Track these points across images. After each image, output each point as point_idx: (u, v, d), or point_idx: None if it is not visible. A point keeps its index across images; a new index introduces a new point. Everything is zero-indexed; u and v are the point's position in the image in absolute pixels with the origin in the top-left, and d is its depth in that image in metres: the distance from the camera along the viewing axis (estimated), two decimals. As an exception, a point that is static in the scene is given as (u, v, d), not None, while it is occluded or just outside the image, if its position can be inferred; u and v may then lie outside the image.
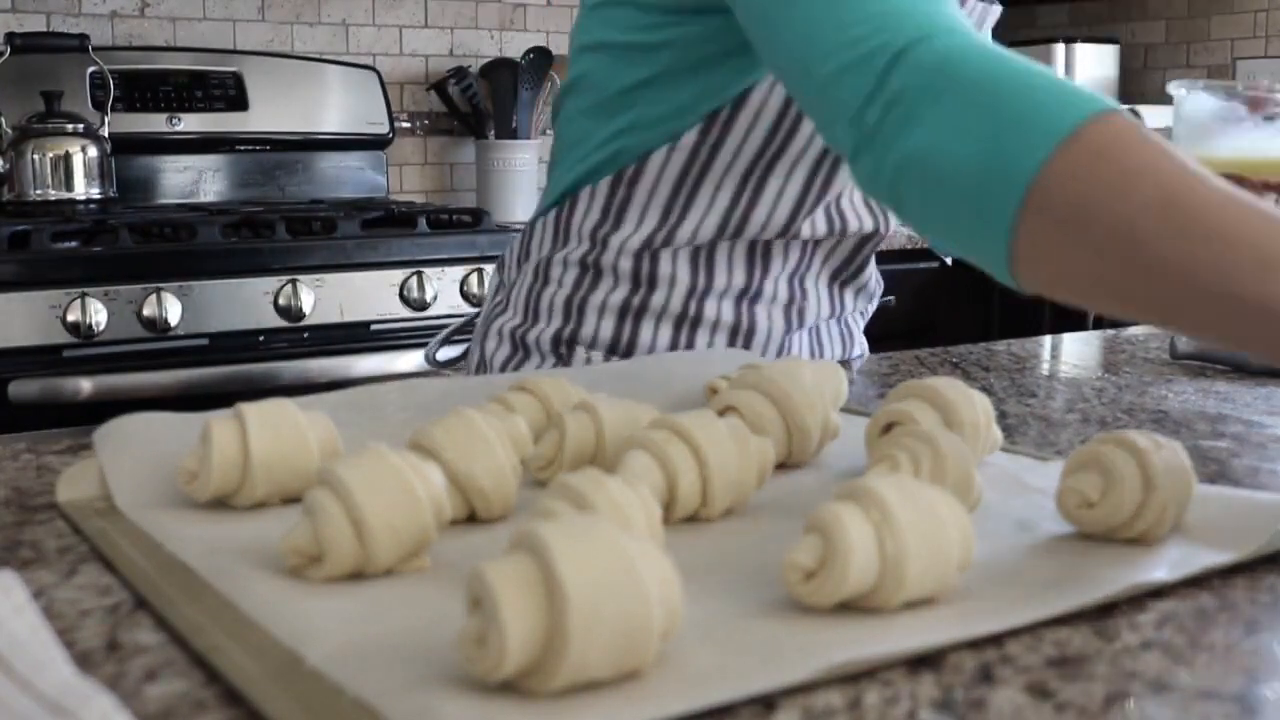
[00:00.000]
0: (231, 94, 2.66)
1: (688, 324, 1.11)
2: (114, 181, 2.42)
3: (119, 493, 0.74)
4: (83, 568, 0.66)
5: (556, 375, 0.89)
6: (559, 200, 1.13)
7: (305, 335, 2.14)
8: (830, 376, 0.95)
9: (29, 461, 0.87)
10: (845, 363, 1.22)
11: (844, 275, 1.20)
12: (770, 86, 1.01)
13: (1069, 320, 2.70)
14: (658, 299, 1.10)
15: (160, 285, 2.02)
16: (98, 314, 1.96)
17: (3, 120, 2.36)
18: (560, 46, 3.08)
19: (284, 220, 2.20)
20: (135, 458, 0.76)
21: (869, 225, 1.15)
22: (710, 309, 1.11)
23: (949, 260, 2.78)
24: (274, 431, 0.73)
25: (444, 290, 2.24)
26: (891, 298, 2.84)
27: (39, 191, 2.32)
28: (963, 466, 0.71)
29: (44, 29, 2.56)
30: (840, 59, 0.75)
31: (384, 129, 2.83)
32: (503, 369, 1.16)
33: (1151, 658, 0.55)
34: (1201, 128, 0.88)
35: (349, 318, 2.17)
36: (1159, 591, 0.62)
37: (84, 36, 2.42)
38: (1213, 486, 0.77)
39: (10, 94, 2.42)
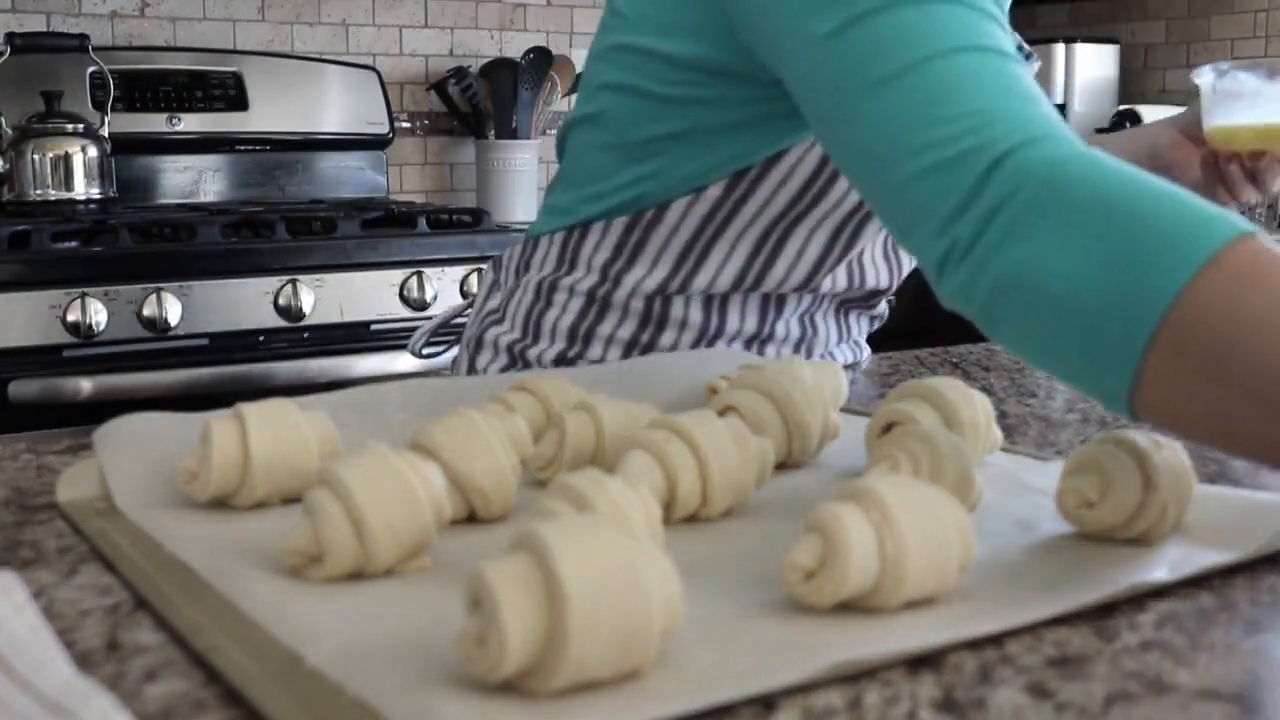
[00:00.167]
0: (231, 94, 2.66)
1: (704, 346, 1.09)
2: (114, 181, 2.41)
3: (119, 493, 0.74)
4: (83, 568, 0.66)
5: (556, 375, 0.89)
6: (568, 226, 1.09)
7: (305, 335, 2.14)
8: (830, 376, 0.95)
9: (29, 461, 0.87)
10: (849, 366, 1.22)
11: (857, 309, 1.20)
12: (808, 146, 0.96)
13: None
14: (667, 339, 1.08)
15: (160, 285, 2.02)
16: (98, 314, 1.96)
17: (3, 120, 2.36)
18: (560, 46, 3.09)
19: (284, 220, 2.20)
20: (135, 458, 0.76)
21: (885, 281, 1.14)
22: (734, 314, 1.10)
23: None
24: (274, 431, 0.73)
25: (444, 290, 2.24)
26: (892, 298, 2.84)
27: (39, 191, 2.32)
28: (962, 466, 0.71)
29: (44, 29, 2.56)
30: (927, 159, 0.68)
31: (384, 129, 2.83)
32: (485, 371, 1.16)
33: (1151, 658, 0.55)
34: (1239, 102, 0.88)
35: (349, 318, 2.17)
36: (1159, 591, 0.62)
37: (84, 36, 2.42)
38: (1213, 486, 0.77)
39: (10, 94, 2.42)
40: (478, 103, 2.92)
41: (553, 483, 0.63)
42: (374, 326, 2.20)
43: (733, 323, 1.09)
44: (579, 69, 2.93)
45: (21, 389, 1.92)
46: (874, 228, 1.04)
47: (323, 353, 2.14)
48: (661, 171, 1.02)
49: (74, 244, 2.07)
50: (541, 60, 2.93)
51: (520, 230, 2.33)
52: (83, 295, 1.96)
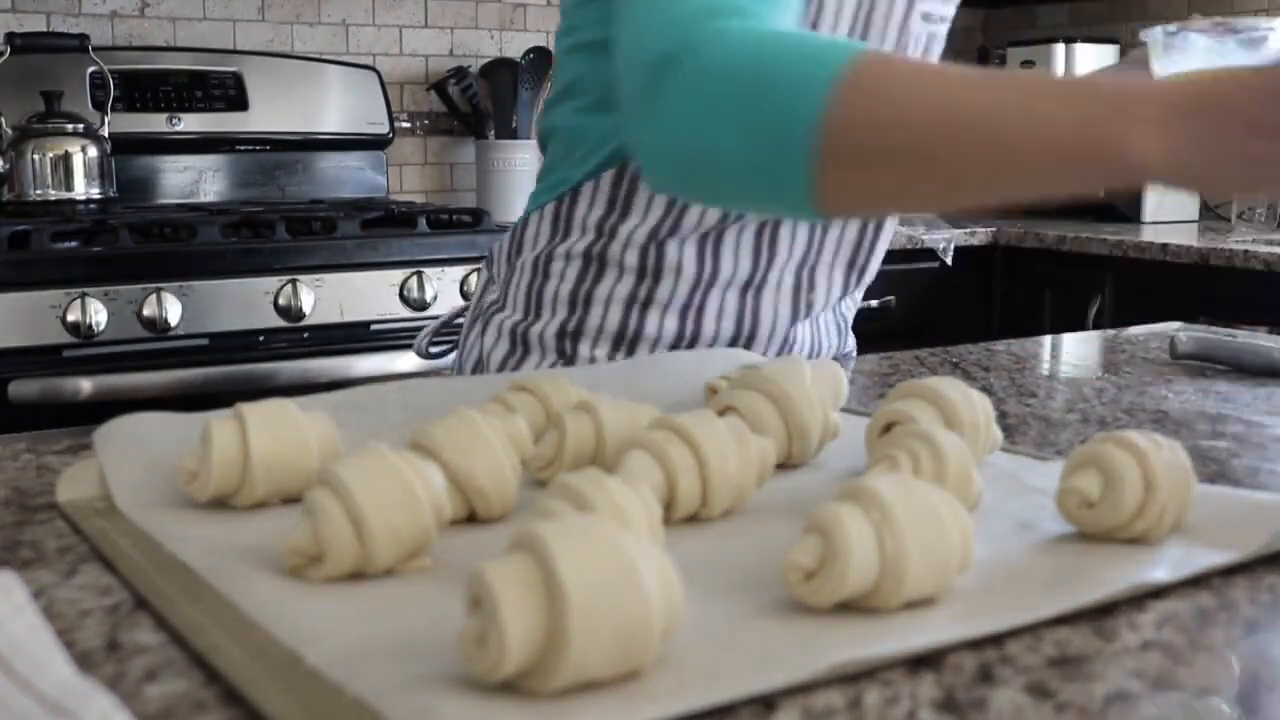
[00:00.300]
0: (231, 94, 2.66)
1: (693, 314, 1.11)
2: (114, 181, 2.42)
3: (119, 493, 0.74)
4: (83, 568, 0.66)
5: (556, 375, 0.89)
6: (559, 195, 1.11)
7: (305, 335, 2.14)
8: (830, 376, 0.95)
9: (29, 461, 0.87)
10: (837, 359, 1.23)
11: (855, 264, 1.20)
12: None
13: (1069, 320, 2.70)
14: (663, 290, 1.10)
15: (160, 285, 2.02)
16: (98, 314, 1.96)
17: (3, 120, 2.36)
18: (560, 46, 3.09)
19: (284, 220, 2.20)
20: (135, 458, 0.76)
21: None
22: (715, 299, 1.11)
23: (949, 261, 2.79)
24: (274, 431, 0.73)
25: (444, 290, 2.24)
26: (891, 298, 2.85)
27: (39, 191, 2.32)
28: (963, 466, 0.71)
29: (44, 29, 2.56)
30: (648, 54, 0.81)
31: (384, 129, 2.83)
32: (501, 366, 1.15)
33: (1151, 658, 0.55)
34: (1186, 55, 0.97)
35: (349, 318, 2.17)
36: (1159, 591, 0.62)
37: (84, 36, 2.43)
38: (1213, 486, 0.77)
39: (10, 94, 2.42)
40: (478, 103, 2.92)
41: (553, 483, 0.63)
42: (374, 326, 2.20)
43: (726, 266, 1.10)
44: (579, 69, 2.92)
45: (21, 389, 1.92)
46: None
47: (323, 353, 2.14)
48: None
49: (74, 244, 2.07)
50: (541, 60, 2.94)
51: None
52: (83, 295, 1.96)
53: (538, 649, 0.48)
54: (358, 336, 2.18)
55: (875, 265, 1.24)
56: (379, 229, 2.27)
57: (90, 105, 2.48)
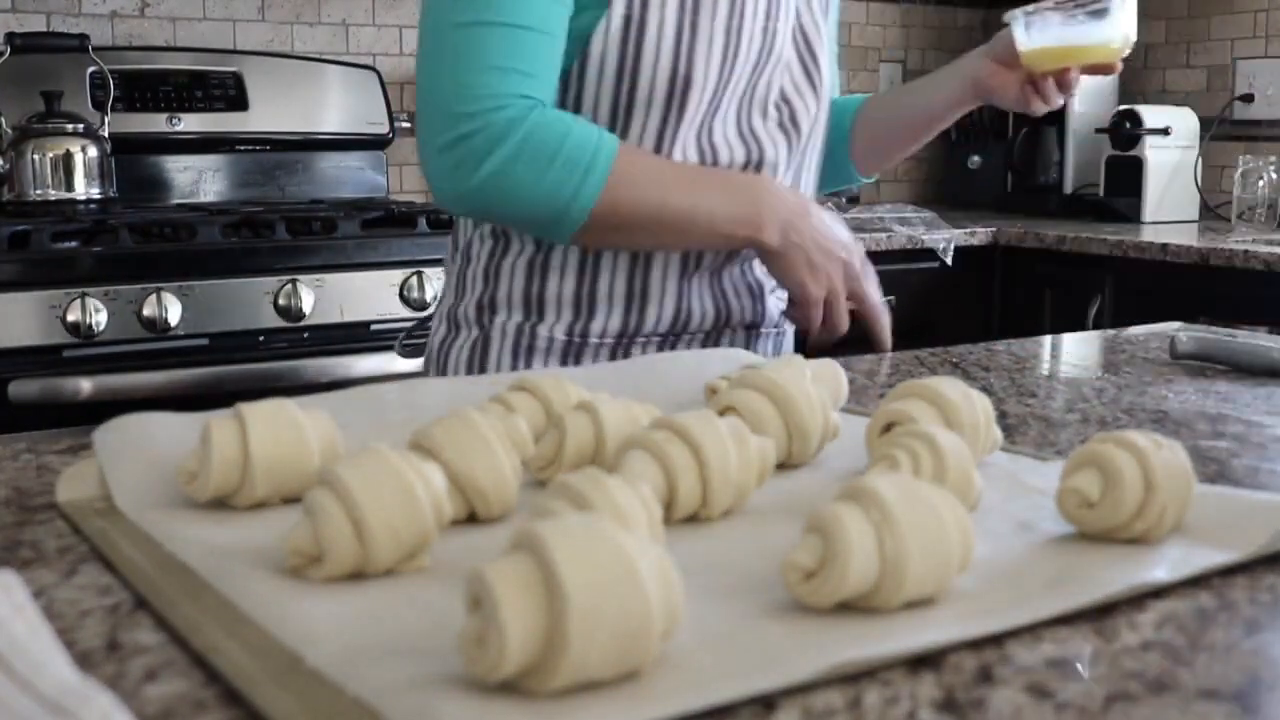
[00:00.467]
0: (231, 94, 2.66)
1: (588, 272, 1.21)
2: (114, 181, 2.42)
3: (119, 493, 0.74)
4: (83, 568, 0.66)
5: (556, 375, 0.89)
6: None
7: (305, 335, 2.14)
8: (830, 376, 0.95)
9: (29, 461, 0.87)
10: (752, 327, 1.30)
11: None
12: (604, 40, 1.13)
13: (1069, 320, 2.70)
14: (557, 256, 1.21)
15: (160, 285, 2.02)
16: (98, 314, 1.97)
17: (3, 120, 2.36)
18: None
19: (284, 220, 2.20)
20: (135, 458, 0.76)
21: (740, 156, 1.22)
22: (607, 260, 1.21)
23: (949, 261, 2.79)
24: (274, 431, 0.73)
25: (444, 290, 2.24)
26: (891, 298, 2.85)
27: (39, 191, 2.32)
28: (963, 466, 0.71)
29: (44, 29, 2.56)
30: (449, 107, 1.08)
31: (384, 129, 2.83)
32: (440, 348, 1.27)
33: (1151, 658, 0.55)
34: (1046, 33, 1.17)
35: (349, 318, 2.17)
36: (1159, 591, 0.62)
37: (84, 36, 2.43)
38: (1213, 486, 0.77)
39: (10, 94, 2.42)
40: (478, 103, 2.92)
41: (553, 483, 0.63)
42: (374, 326, 2.20)
43: None
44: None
45: (21, 389, 1.92)
46: (693, 112, 1.17)
47: (323, 353, 2.14)
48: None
49: (74, 244, 2.07)
50: (541, 60, 2.93)
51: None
52: (83, 295, 1.96)
53: (538, 649, 0.48)
54: (358, 336, 2.18)
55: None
56: (379, 229, 2.27)
57: (90, 105, 2.48)
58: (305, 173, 2.78)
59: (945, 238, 2.79)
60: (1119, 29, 1.15)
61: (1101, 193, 3.18)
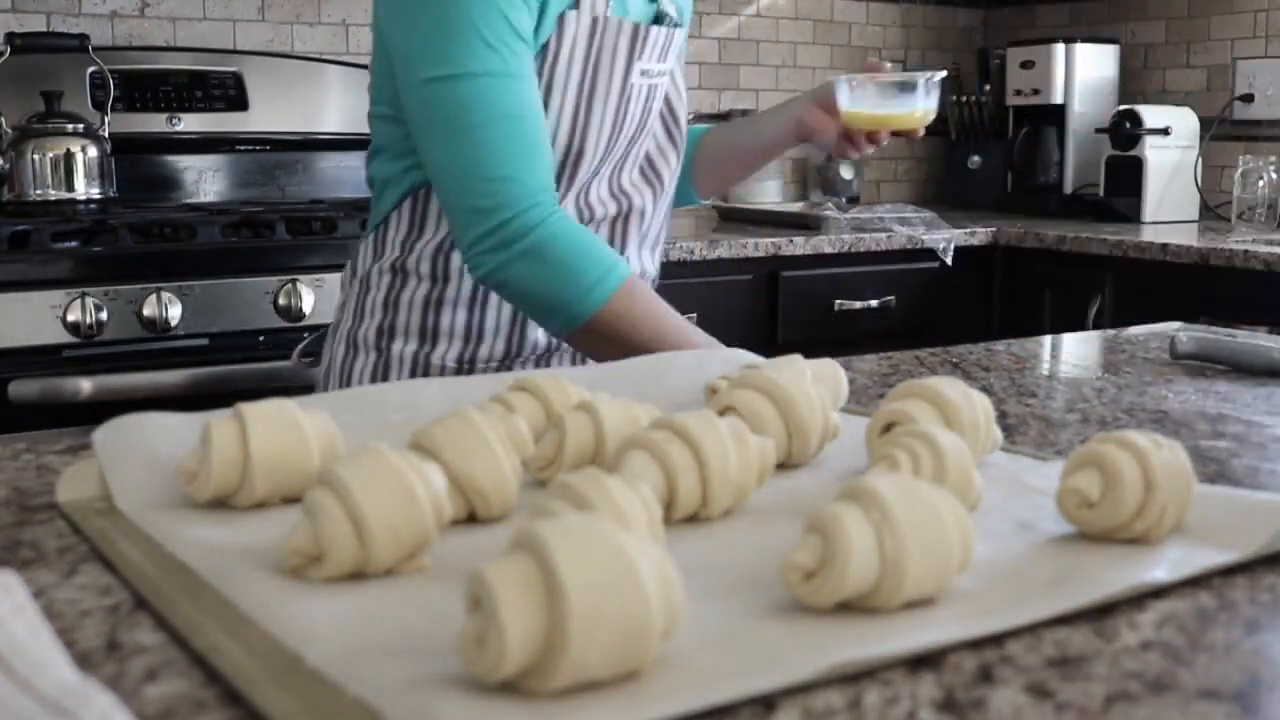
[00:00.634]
0: (231, 94, 2.66)
1: (478, 307, 1.32)
2: (114, 181, 2.41)
3: (119, 493, 0.74)
4: (83, 568, 0.66)
5: (556, 375, 0.89)
6: (377, 226, 1.36)
7: (305, 335, 2.14)
8: (830, 376, 0.95)
9: (29, 461, 0.87)
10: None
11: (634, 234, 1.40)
12: None
13: (1069, 320, 2.70)
14: (451, 290, 1.31)
15: (160, 285, 2.02)
16: (98, 314, 1.96)
17: (3, 120, 2.36)
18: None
19: (284, 220, 2.20)
20: (135, 458, 0.76)
21: (612, 210, 1.36)
22: (494, 296, 1.31)
23: (949, 261, 2.79)
24: (274, 431, 0.73)
25: (444, 290, 2.23)
26: (891, 298, 2.85)
27: (39, 191, 2.32)
28: (963, 466, 0.71)
29: (44, 29, 2.56)
30: (481, 201, 1.19)
31: (384, 129, 2.82)
32: (341, 366, 1.35)
33: (1151, 658, 0.55)
34: (863, 100, 1.37)
35: (349, 318, 2.17)
36: (1159, 591, 0.62)
37: (84, 36, 2.42)
38: (1213, 486, 0.77)
39: (10, 94, 2.42)
40: (478, 103, 2.92)
41: (553, 483, 0.63)
42: (374, 326, 2.19)
43: None
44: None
45: (21, 389, 1.92)
46: (580, 180, 1.30)
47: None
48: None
49: (74, 244, 2.07)
50: (541, 60, 2.93)
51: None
52: (83, 295, 1.96)
53: (538, 649, 0.48)
54: (358, 336, 2.18)
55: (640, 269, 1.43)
56: (379, 229, 2.26)
57: (90, 105, 2.48)
58: (305, 173, 2.78)
59: (945, 238, 2.79)
60: (922, 105, 1.38)
61: (1101, 193, 3.18)
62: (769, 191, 3.31)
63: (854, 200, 3.32)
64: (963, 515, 0.60)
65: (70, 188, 2.33)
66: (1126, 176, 3.12)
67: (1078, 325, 2.64)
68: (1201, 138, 3.14)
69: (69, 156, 2.33)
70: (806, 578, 0.58)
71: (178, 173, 2.65)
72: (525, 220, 1.17)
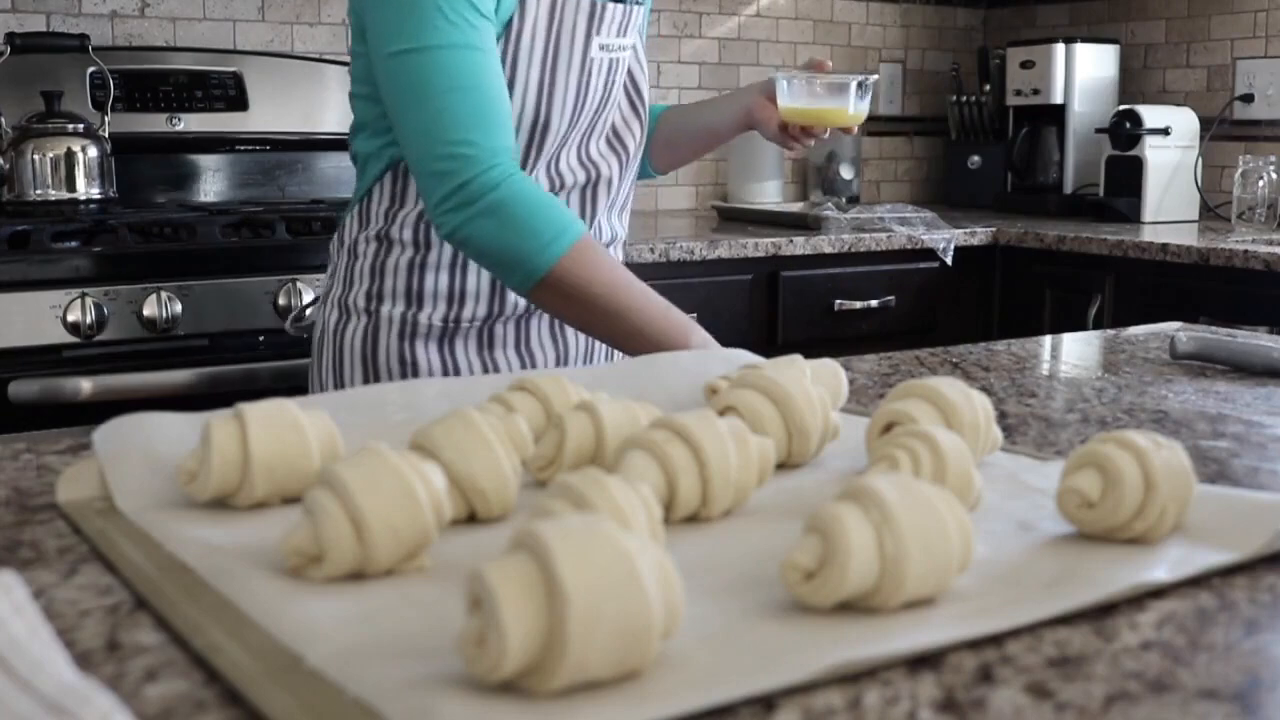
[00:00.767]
0: (231, 94, 2.66)
1: (459, 271, 1.39)
2: (114, 181, 2.41)
3: (119, 493, 0.74)
4: (83, 568, 0.66)
5: (556, 375, 0.89)
6: (361, 198, 1.43)
7: (305, 335, 2.14)
8: (830, 376, 0.95)
9: (29, 461, 0.87)
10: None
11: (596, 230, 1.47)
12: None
13: (1069, 320, 2.70)
14: (433, 256, 1.39)
15: (160, 285, 2.02)
16: (98, 314, 1.96)
17: (3, 120, 2.36)
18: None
19: (284, 220, 2.20)
20: (135, 458, 0.76)
21: (581, 178, 1.43)
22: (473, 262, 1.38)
23: (949, 261, 2.79)
24: (274, 431, 0.73)
25: (444, 290, 2.23)
26: (891, 298, 2.85)
27: (39, 191, 2.31)
28: (963, 466, 0.71)
29: (44, 29, 2.56)
30: (443, 164, 1.25)
31: (384, 129, 2.82)
32: (335, 330, 1.43)
33: (1151, 658, 0.55)
34: (799, 96, 1.46)
35: (349, 318, 2.17)
36: (1159, 591, 0.62)
37: (84, 36, 2.42)
38: (1213, 486, 0.77)
39: (10, 94, 2.42)
40: (478, 103, 2.92)
41: (553, 483, 0.63)
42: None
43: None
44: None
45: (21, 389, 1.92)
46: (548, 149, 1.38)
47: (323, 353, 2.13)
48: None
49: (74, 244, 2.07)
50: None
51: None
52: (83, 295, 1.96)
53: (538, 649, 0.48)
54: (358, 336, 2.18)
55: (610, 235, 1.49)
56: (379, 229, 2.26)
57: (90, 105, 2.48)
58: (305, 173, 2.78)
59: (945, 238, 2.79)
60: (852, 106, 1.46)
61: (1101, 193, 3.18)
62: (769, 191, 3.31)
63: (854, 200, 3.32)
64: (963, 515, 0.60)
65: (70, 188, 2.33)
66: (1126, 176, 3.12)
67: (1078, 325, 2.64)
68: (1201, 138, 3.14)
69: (69, 156, 2.33)
70: (806, 578, 0.58)
71: (178, 173, 2.65)
72: (485, 181, 1.24)
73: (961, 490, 0.70)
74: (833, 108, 1.46)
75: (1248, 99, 3.25)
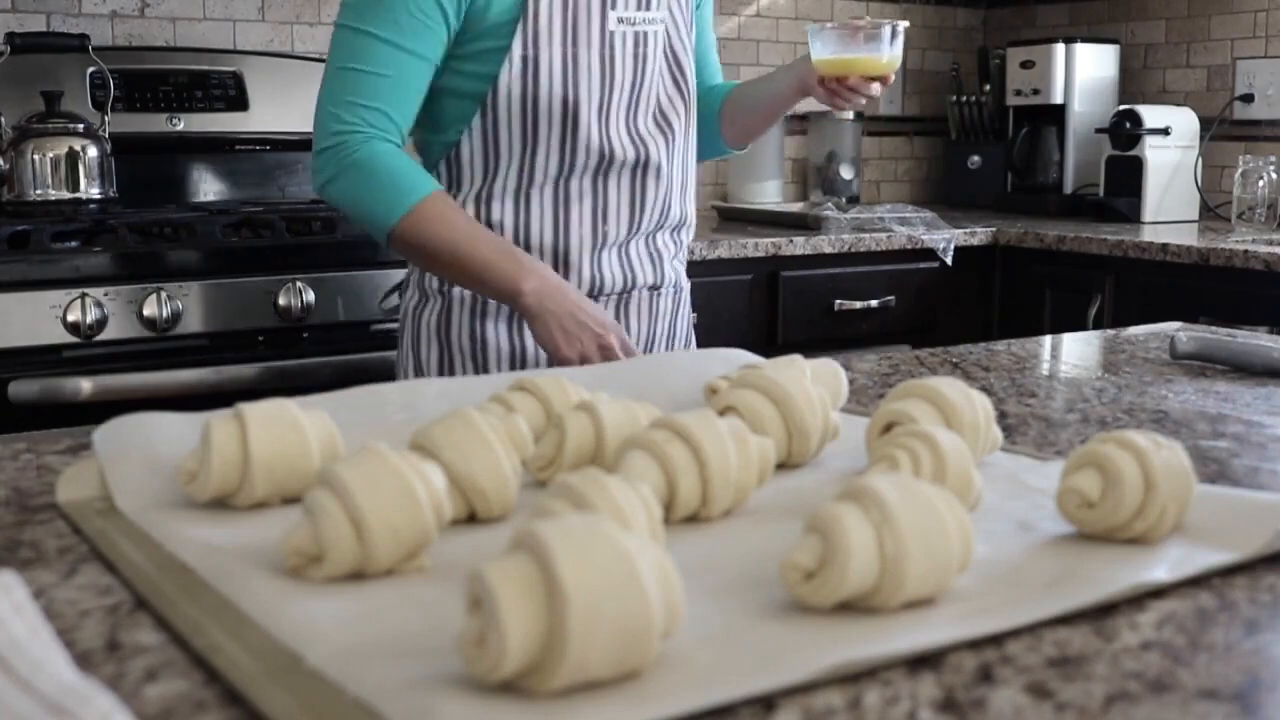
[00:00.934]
0: (231, 94, 2.66)
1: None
2: (114, 181, 2.41)
3: (119, 493, 0.74)
4: (83, 568, 0.66)
5: (556, 375, 0.89)
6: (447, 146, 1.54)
7: (305, 335, 2.14)
8: (830, 376, 0.95)
9: (29, 461, 0.87)
10: (655, 288, 1.57)
11: (634, 217, 1.53)
12: (508, 76, 1.42)
13: (1069, 320, 2.70)
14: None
15: (160, 285, 2.02)
16: (98, 314, 1.96)
17: (3, 120, 2.36)
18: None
19: (284, 220, 2.20)
20: (135, 458, 0.76)
21: (631, 154, 1.49)
22: (535, 241, 1.47)
23: (949, 261, 2.79)
24: (274, 431, 0.73)
25: (444, 290, 2.23)
26: (891, 298, 2.85)
27: (39, 191, 2.31)
28: (963, 466, 0.71)
29: (44, 29, 2.56)
30: (332, 125, 1.41)
31: (384, 129, 2.82)
32: (414, 311, 1.54)
33: (1151, 658, 0.55)
34: (827, 46, 1.48)
35: (349, 318, 2.17)
36: (1159, 591, 0.62)
37: (84, 36, 2.42)
38: (1213, 486, 0.77)
39: (10, 94, 2.42)
40: (478, 103, 2.92)
41: (553, 483, 0.63)
42: (374, 327, 2.19)
43: (535, 224, 1.49)
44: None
45: (21, 389, 1.92)
46: (585, 123, 1.45)
47: (323, 352, 2.13)
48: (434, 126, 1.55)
49: (74, 244, 2.07)
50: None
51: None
52: (83, 295, 1.96)
53: (538, 649, 0.48)
54: (358, 336, 2.18)
55: (661, 216, 1.56)
56: (379, 229, 2.26)
57: (90, 105, 2.47)
58: (305, 173, 2.78)
59: (945, 238, 2.79)
60: (885, 52, 1.47)
61: (1101, 193, 3.18)
62: (769, 191, 3.31)
63: (854, 200, 3.32)
64: (963, 515, 0.60)
65: (70, 188, 2.33)
66: (1126, 176, 3.12)
67: (1078, 325, 2.64)
68: (1201, 138, 3.14)
69: (69, 156, 2.33)
70: (806, 578, 0.58)
71: (178, 173, 2.65)
72: (352, 143, 1.39)
73: (961, 490, 0.70)
74: (864, 56, 1.47)
75: (1248, 99, 3.25)
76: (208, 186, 2.69)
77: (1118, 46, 3.40)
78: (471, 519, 0.72)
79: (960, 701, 0.50)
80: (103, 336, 1.98)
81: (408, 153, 1.46)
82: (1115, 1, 3.55)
